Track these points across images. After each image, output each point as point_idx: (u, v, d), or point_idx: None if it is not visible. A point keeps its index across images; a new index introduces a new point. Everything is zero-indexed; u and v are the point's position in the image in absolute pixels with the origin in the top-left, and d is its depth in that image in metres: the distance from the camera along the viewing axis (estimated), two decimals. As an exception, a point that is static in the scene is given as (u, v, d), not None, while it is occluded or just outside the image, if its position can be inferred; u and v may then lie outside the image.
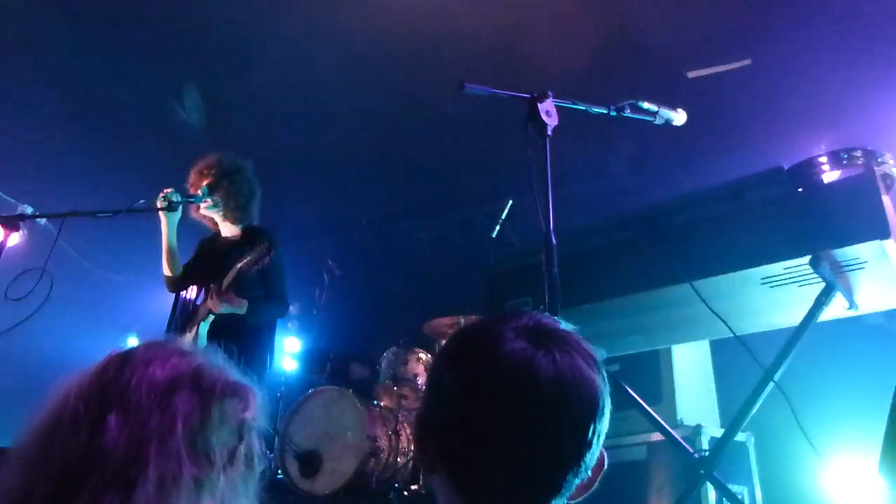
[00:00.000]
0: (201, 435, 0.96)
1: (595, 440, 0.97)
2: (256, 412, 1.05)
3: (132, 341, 7.93)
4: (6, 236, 3.37)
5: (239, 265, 3.41)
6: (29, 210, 6.12)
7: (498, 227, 5.54)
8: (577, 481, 0.98)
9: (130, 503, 0.88)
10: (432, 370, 1.06)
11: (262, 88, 5.69)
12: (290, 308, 6.80)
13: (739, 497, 2.60)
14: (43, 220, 6.04)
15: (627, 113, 2.65)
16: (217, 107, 5.95)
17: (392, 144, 6.24)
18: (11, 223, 3.42)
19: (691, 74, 5.63)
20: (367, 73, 5.50)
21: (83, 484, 0.88)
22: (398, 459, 4.86)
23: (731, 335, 2.67)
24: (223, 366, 1.06)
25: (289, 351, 6.62)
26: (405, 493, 4.55)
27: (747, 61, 5.41)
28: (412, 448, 5.00)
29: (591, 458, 0.98)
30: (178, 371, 0.99)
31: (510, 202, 5.53)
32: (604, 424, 0.98)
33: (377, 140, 6.21)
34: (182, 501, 0.91)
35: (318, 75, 5.52)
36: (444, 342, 1.11)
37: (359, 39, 5.23)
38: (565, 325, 1.05)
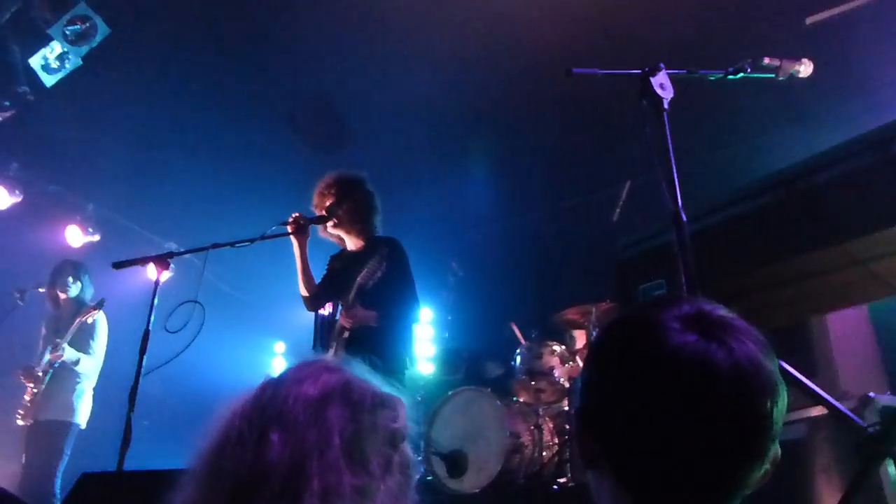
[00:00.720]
0: (357, 446, 0.99)
1: (776, 431, 0.91)
2: (406, 422, 1.07)
3: (279, 346, 8.41)
4: (159, 273, 3.67)
5: (359, 279, 3.53)
6: (174, 247, 6.66)
7: (618, 210, 5.41)
8: (759, 475, 0.92)
9: None
10: (591, 364, 1.02)
11: (376, 93, 5.83)
12: (422, 313, 7.00)
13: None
14: (188, 255, 6.56)
15: (748, 73, 2.50)
16: (333, 117, 6.15)
17: (503, 138, 6.23)
18: (163, 261, 3.71)
19: (810, 20, 5.23)
20: (475, 67, 5.51)
21: (254, 496, 0.93)
22: (543, 454, 4.84)
23: (892, 297, 2.45)
24: (370, 378, 1.09)
25: (424, 355, 6.78)
26: (554, 486, 4.52)
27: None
28: (556, 441, 4.97)
29: (773, 449, 0.92)
30: (328, 386, 1.04)
31: (628, 183, 5.39)
32: (782, 413, 0.92)
33: (487, 135, 6.22)
34: (346, 510, 0.94)
35: (429, 74, 5.60)
36: (597, 334, 1.06)
37: (465, 34, 5.24)
38: (729, 312, 0.98)
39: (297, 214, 3.87)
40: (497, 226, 7.37)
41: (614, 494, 0.96)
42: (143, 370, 3.37)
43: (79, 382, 5.24)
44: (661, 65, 2.23)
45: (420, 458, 5.04)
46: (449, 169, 6.67)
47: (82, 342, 5.25)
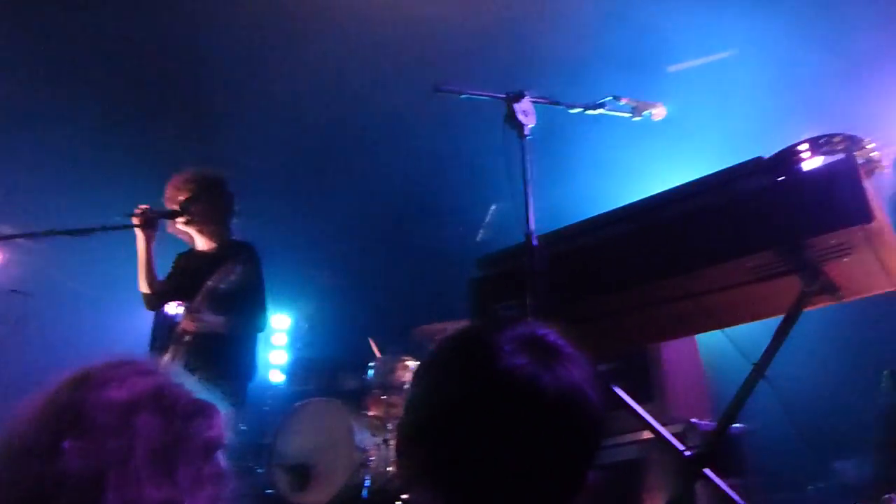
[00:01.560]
0: (164, 457, 0.91)
1: (594, 460, 0.94)
2: (222, 430, 1.00)
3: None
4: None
5: (210, 283, 3.36)
6: (7, 230, 6.03)
7: (482, 232, 5.53)
8: (575, 498, 0.94)
9: None
10: (420, 378, 1.01)
11: (246, 100, 5.63)
12: (278, 320, 6.79)
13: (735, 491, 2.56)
14: (21, 240, 5.99)
15: (606, 110, 2.63)
16: (199, 119, 5.88)
17: (373, 152, 6.21)
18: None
19: (672, 69, 5.65)
20: (345, 81, 5.47)
21: None
22: (389, 469, 4.80)
23: (718, 330, 2.64)
24: (186, 384, 1.01)
25: (276, 363, 6.56)
26: (397, 502, 4.49)
27: (727, 53, 5.45)
28: (403, 457, 4.95)
29: (590, 477, 0.95)
30: (137, 391, 0.94)
31: (493, 207, 5.53)
32: (599, 443, 0.95)
33: (358, 148, 6.17)
34: (145, 528, 0.86)
35: (301, 85, 5.49)
36: (432, 348, 1.04)
37: (333, 49, 5.20)
38: (561, 338, 1.00)
39: (144, 206, 3.63)
40: (364, 238, 7.31)
41: None
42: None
43: None
44: (525, 91, 2.30)
45: (262, 471, 4.86)
46: (321, 176, 6.55)
47: None
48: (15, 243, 5.91)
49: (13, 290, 3.15)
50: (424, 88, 2.34)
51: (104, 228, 3.53)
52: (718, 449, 2.62)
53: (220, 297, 3.41)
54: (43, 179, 6.08)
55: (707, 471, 2.34)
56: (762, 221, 2.10)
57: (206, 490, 0.94)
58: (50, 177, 6.07)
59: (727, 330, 2.42)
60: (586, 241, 2.39)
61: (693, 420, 3.61)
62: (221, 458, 0.98)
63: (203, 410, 0.98)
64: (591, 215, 2.50)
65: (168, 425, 0.93)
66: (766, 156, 2.21)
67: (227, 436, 1.00)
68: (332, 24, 5.08)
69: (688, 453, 2.51)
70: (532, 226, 2.10)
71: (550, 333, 0.99)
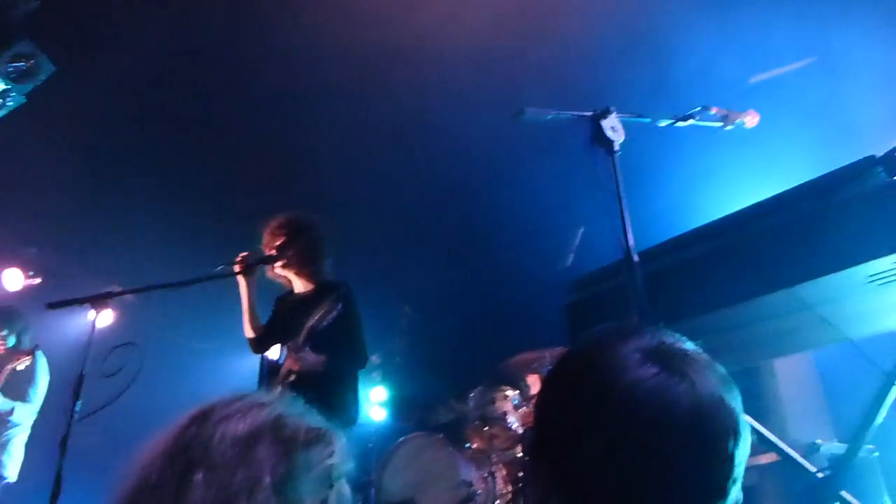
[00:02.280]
0: (289, 485, 0.92)
1: (738, 473, 0.88)
2: (343, 457, 1.00)
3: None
4: (98, 314, 3.50)
5: (309, 323, 3.44)
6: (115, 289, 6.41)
7: (571, 256, 5.45)
8: None
9: None
10: (546, 393, 0.97)
11: (327, 138, 5.81)
12: (373, 358, 6.87)
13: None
14: (130, 297, 6.34)
15: (697, 121, 2.55)
16: (283, 160, 6.10)
17: (456, 183, 6.25)
18: (101, 302, 3.55)
19: (754, 79, 5.46)
20: (425, 111, 5.54)
21: None
22: (496, 502, 4.72)
23: (838, 342, 2.48)
24: (303, 413, 1.02)
25: (375, 400, 6.62)
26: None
27: (810, 59, 5.23)
28: (509, 489, 4.86)
29: (735, 488, 0.88)
30: (257, 422, 0.96)
31: (581, 230, 5.44)
32: (744, 451, 0.89)
33: (441, 180, 6.23)
34: (278, 557, 0.87)
35: (383, 119, 5.61)
36: (553, 364, 1.00)
37: (412, 79, 5.30)
38: (691, 344, 0.95)
39: (245, 253, 3.78)
40: (450, 271, 7.34)
41: None
42: (75, 415, 3.19)
43: (8, 432, 4.94)
44: (612, 107, 2.26)
45: (369, 507, 4.88)
46: (399, 213, 6.65)
47: (16, 389, 4.96)
48: (124, 300, 6.28)
49: (126, 343, 3.33)
50: (508, 113, 2.34)
51: (207, 278, 3.68)
52: (853, 470, 2.44)
53: (321, 336, 3.48)
54: (143, 237, 6.46)
55: (844, 493, 2.18)
56: (882, 223, 1.97)
57: None
58: (150, 234, 6.43)
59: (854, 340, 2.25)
60: (687, 255, 2.31)
61: (816, 440, 3.39)
62: (344, 486, 0.99)
63: (322, 438, 0.99)
64: (688, 230, 2.42)
65: (289, 454, 0.94)
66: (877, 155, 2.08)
67: (348, 464, 1.01)
68: (407, 56, 5.17)
69: (820, 475, 2.34)
70: (630, 241, 2.04)
71: (679, 340, 0.95)
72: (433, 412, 5.88)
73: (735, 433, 0.87)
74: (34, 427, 5.13)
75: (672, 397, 0.86)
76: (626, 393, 0.87)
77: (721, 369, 0.92)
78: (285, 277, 3.91)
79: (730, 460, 0.86)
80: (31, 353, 4.97)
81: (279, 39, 5.06)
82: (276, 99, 5.46)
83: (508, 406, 5.09)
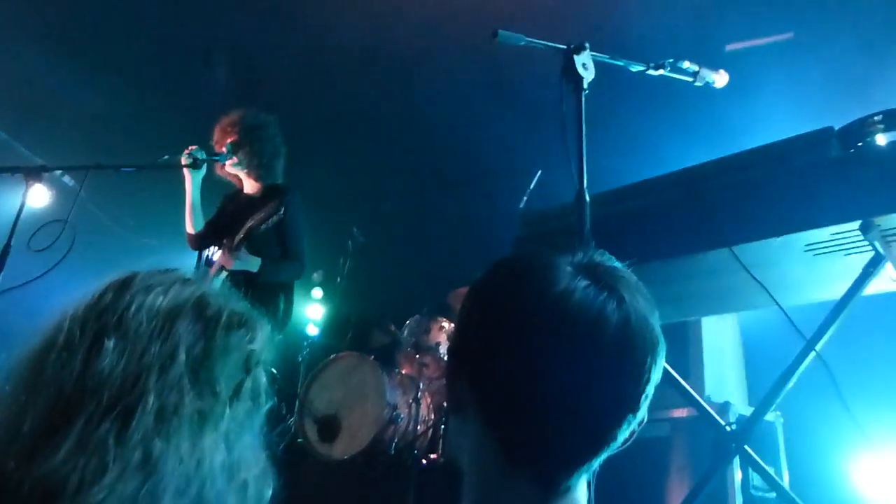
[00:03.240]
0: (205, 365, 0.89)
1: (651, 388, 0.90)
2: (264, 344, 0.98)
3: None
4: (29, 187, 3.35)
5: (250, 222, 3.36)
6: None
7: (525, 198, 5.45)
8: (626, 434, 0.90)
9: (129, 432, 0.82)
10: (473, 301, 0.96)
11: (294, 46, 5.60)
12: (314, 275, 6.84)
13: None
14: (67, 177, 6.11)
15: (668, 71, 2.53)
16: (246, 64, 5.88)
17: (421, 111, 6.13)
18: (34, 174, 3.40)
19: (729, 47, 5.45)
20: (401, 31, 5.37)
21: (78, 410, 0.82)
22: (418, 427, 4.83)
23: (767, 307, 2.55)
24: (229, 296, 0.99)
25: (311, 317, 6.62)
26: (423, 461, 4.52)
27: (788, 34, 5.23)
28: (432, 417, 4.97)
29: (645, 406, 0.90)
30: (180, 298, 0.93)
31: (539, 172, 5.43)
32: (659, 372, 0.91)
33: (404, 104, 6.10)
34: (183, 434, 0.85)
35: (352, 33, 5.41)
36: (484, 273, 0.99)
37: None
38: (621, 264, 0.96)
39: (192, 147, 3.65)
40: (404, 199, 7.28)
41: (479, 440, 0.91)
42: (-3, 289, 3.09)
43: None
44: (587, 44, 2.22)
45: (293, 419, 4.93)
46: (365, 132, 6.52)
47: None
48: (61, 180, 6.05)
49: (58, 220, 3.20)
50: (479, 39, 2.26)
51: (152, 167, 3.56)
52: (757, 429, 2.56)
53: (259, 238, 3.42)
54: (95, 116, 6.18)
55: (747, 448, 2.28)
56: (827, 195, 2.01)
57: (243, 403, 0.93)
58: (103, 114, 6.16)
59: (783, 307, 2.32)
60: (637, 204, 2.32)
61: (729, 401, 3.53)
62: (261, 375, 0.97)
63: (245, 323, 0.96)
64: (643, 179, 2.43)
65: (209, 333, 0.92)
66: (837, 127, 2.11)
67: (270, 353, 0.99)
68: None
69: (728, 429, 2.45)
70: (584, 181, 2.04)
71: (611, 259, 0.95)
72: (368, 334, 5.92)
73: (654, 353, 0.89)
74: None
75: (601, 310, 0.86)
76: (555, 303, 0.86)
77: (647, 292, 0.93)
78: (236, 176, 3.81)
79: (647, 377, 0.88)
80: None
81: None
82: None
83: (442, 337, 5.16)
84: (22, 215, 3.32)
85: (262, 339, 0.98)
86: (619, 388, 0.87)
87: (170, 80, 5.94)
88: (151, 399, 0.84)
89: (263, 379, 0.97)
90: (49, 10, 5.30)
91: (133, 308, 0.89)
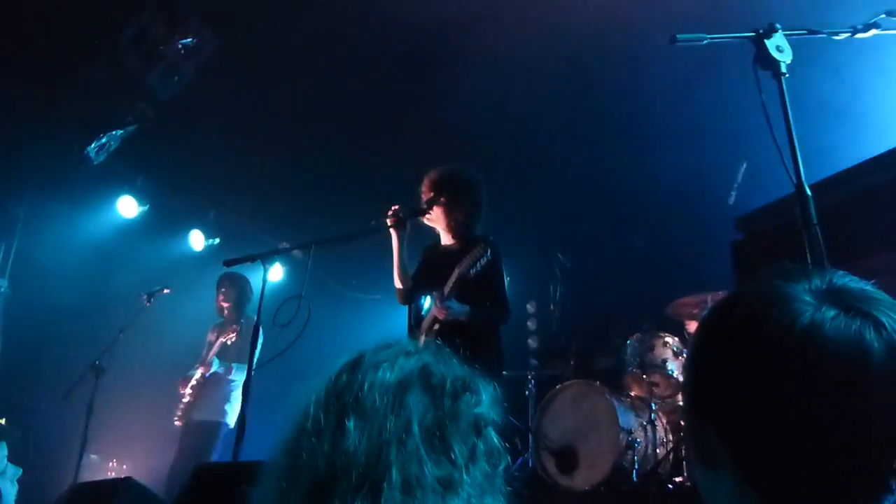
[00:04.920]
0: (438, 433, 0.93)
1: None
2: (491, 405, 0.99)
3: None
4: (268, 268, 3.77)
5: (458, 270, 3.46)
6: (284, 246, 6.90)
7: (734, 193, 5.08)
8: None
9: None
10: (707, 343, 0.87)
11: (475, 92, 5.78)
12: (528, 306, 6.90)
13: None
14: (297, 251, 6.78)
15: (881, 30, 2.23)
16: (432, 119, 6.16)
17: (610, 121, 6.01)
18: (270, 257, 3.83)
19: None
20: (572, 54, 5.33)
21: (332, 489, 0.89)
22: (657, 451, 4.61)
23: None
24: (450, 361, 1.02)
25: (532, 349, 6.66)
26: (668, 485, 4.30)
27: None
28: (670, 438, 4.73)
29: None
30: (406, 370, 0.98)
31: (744, 164, 5.05)
32: None
33: (595, 117, 6.01)
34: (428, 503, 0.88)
35: (525, 67, 5.48)
36: (711, 310, 0.91)
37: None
38: (866, 283, 0.83)
39: (395, 207, 3.88)
40: (605, 216, 7.12)
41: (736, 495, 0.82)
42: (254, 364, 3.48)
43: (230, 386, 5.56)
44: (777, 25, 2.03)
45: (529, 454, 4.94)
46: (551, 156, 6.52)
47: (231, 355, 5.55)
48: (291, 257, 6.73)
49: (295, 296, 3.61)
50: (661, 42, 2.17)
51: (364, 233, 3.85)
52: None
53: (467, 286, 3.51)
54: (307, 198, 6.83)
55: None
56: None
57: (480, 466, 0.95)
58: (313, 194, 6.80)
59: None
60: (866, 185, 2.05)
61: None
62: (493, 435, 0.98)
63: (469, 386, 0.99)
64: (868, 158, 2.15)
65: (436, 402, 0.95)
66: None
67: (497, 412, 1.00)
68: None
69: None
70: (802, 173, 1.85)
71: (854, 280, 0.83)
72: (591, 360, 5.81)
73: None
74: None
75: (859, 340, 0.75)
76: (805, 339, 0.76)
77: None
78: (436, 228, 3.98)
79: None
80: (237, 327, 5.47)
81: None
82: (433, 54, 5.46)
83: (668, 353, 4.92)
84: (265, 292, 3.77)
85: (488, 400, 0.99)
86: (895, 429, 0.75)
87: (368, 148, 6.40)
88: (394, 473, 0.89)
89: (495, 439, 0.98)
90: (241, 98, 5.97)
91: (366, 387, 0.95)
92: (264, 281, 3.77)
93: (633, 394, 5.05)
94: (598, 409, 4.73)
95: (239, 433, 3.19)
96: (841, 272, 0.84)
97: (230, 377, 5.52)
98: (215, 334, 5.67)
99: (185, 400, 5.49)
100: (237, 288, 5.74)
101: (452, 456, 0.92)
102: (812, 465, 0.75)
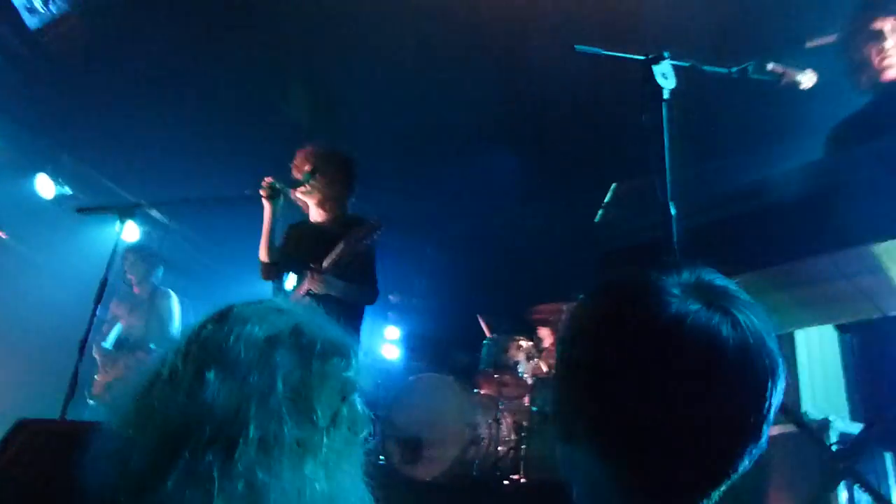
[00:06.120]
0: (302, 394, 0.89)
1: (773, 413, 0.84)
2: (359, 371, 0.97)
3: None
4: (124, 224, 3.52)
5: (343, 244, 3.43)
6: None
7: (601, 212, 5.34)
8: (748, 464, 0.84)
9: (232, 463, 0.82)
10: (579, 326, 0.91)
11: (363, 71, 5.68)
12: (390, 297, 6.90)
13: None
14: (156, 212, 6.40)
15: (751, 73, 2.43)
16: (320, 94, 6.01)
17: (491, 128, 6.13)
18: (128, 211, 3.57)
19: (809, 44, 5.20)
20: (469, 46, 5.36)
21: (184, 441, 0.83)
22: (499, 448, 4.77)
23: (870, 316, 2.39)
24: (323, 323, 0.99)
25: (389, 338, 6.68)
26: (505, 482, 4.46)
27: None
28: (513, 437, 4.91)
29: (766, 435, 0.85)
30: (277, 328, 0.94)
31: (614, 185, 5.33)
32: (780, 394, 0.85)
33: (476, 123, 6.10)
34: (284, 463, 0.85)
35: (422, 53, 5.45)
36: (586, 296, 0.95)
37: (458, 27, 5.11)
38: (730, 282, 0.90)
39: (269, 179, 3.77)
40: (477, 217, 7.28)
41: (592, 471, 0.87)
42: (95, 319, 3.24)
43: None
44: (666, 53, 2.15)
45: (376, 441, 4.95)
46: (434, 157, 6.56)
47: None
48: (151, 217, 6.35)
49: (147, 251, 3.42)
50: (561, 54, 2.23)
51: (234, 198, 3.68)
52: (866, 449, 2.39)
53: (349, 264, 3.49)
54: (173, 155, 6.45)
55: (857, 469, 2.13)
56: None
57: (341, 431, 0.92)
58: (184, 150, 6.42)
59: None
60: (729, 212, 2.22)
61: (830, 417, 3.33)
62: (357, 401, 0.96)
63: (340, 349, 0.96)
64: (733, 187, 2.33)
65: (305, 362, 0.92)
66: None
67: (364, 380, 0.98)
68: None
69: (834, 449, 2.30)
70: (668, 192, 1.96)
71: (719, 277, 0.90)
72: (446, 355, 5.92)
73: (775, 376, 0.83)
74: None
75: (716, 334, 0.81)
76: (669, 328, 0.82)
77: (761, 309, 0.87)
78: (304, 203, 3.89)
79: (769, 403, 0.83)
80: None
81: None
82: (326, 20, 5.30)
83: (521, 356, 5.10)
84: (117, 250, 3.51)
85: (357, 366, 0.97)
86: (741, 417, 0.82)
87: (249, 113, 6.14)
88: (252, 429, 0.85)
89: (359, 406, 0.96)
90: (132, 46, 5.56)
91: (232, 339, 0.90)
92: (118, 236, 3.52)
93: (482, 391, 5.18)
94: (448, 402, 4.83)
95: (71, 388, 2.95)
96: (709, 269, 0.90)
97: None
98: (123, 309, 5.30)
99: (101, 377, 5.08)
100: (145, 262, 5.37)
101: (314, 418, 0.89)
102: (663, 447, 0.81)
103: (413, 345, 6.20)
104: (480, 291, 6.58)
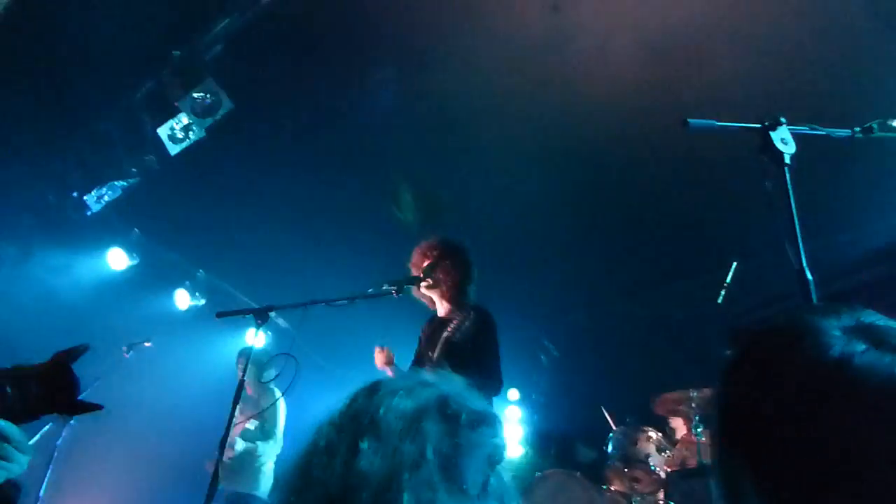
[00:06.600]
0: (452, 461, 0.91)
1: None
2: (505, 441, 0.98)
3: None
4: (260, 325, 3.71)
5: (445, 335, 3.44)
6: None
7: (723, 292, 5.13)
8: None
9: None
10: (734, 376, 0.86)
11: (470, 176, 5.87)
12: (509, 393, 6.80)
13: None
14: (282, 320, 6.70)
15: (876, 133, 2.34)
16: (428, 200, 6.23)
17: (602, 221, 6.10)
18: (262, 314, 3.77)
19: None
20: (571, 153, 5.46)
21: None
22: (637, 548, 4.47)
23: None
24: (469, 395, 1.01)
25: (513, 437, 6.54)
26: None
27: None
28: (651, 536, 4.60)
29: None
30: (423, 399, 0.97)
31: (735, 264, 5.13)
32: None
33: (585, 217, 6.10)
34: (438, 532, 0.85)
35: (524, 157, 5.59)
36: (740, 346, 0.89)
37: (551, 124, 5.23)
38: (894, 322, 0.84)
39: (384, 353, 3.80)
40: (593, 309, 7.15)
41: None
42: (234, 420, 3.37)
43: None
44: (783, 119, 2.12)
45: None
46: (547, 251, 6.58)
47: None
48: (275, 323, 6.65)
49: (283, 353, 3.57)
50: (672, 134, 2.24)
51: (360, 297, 3.82)
52: None
53: (456, 351, 3.45)
54: (295, 261, 6.82)
55: None
56: None
57: (490, 500, 0.92)
58: (301, 258, 6.79)
59: None
60: (869, 276, 2.10)
61: None
62: (505, 473, 0.96)
63: (486, 419, 0.97)
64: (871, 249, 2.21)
65: (454, 431, 0.93)
66: None
67: (509, 448, 0.98)
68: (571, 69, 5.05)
69: None
70: (803, 260, 1.88)
71: (882, 318, 0.84)
72: (572, 450, 5.71)
73: None
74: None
75: (890, 375, 0.75)
76: (836, 371, 0.76)
77: None
78: (429, 298, 3.96)
79: None
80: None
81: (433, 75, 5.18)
82: (433, 126, 5.57)
83: (651, 448, 4.85)
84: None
85: (503, 435, 0.98)
86: None
87: (362, 221, 6.45)
88: (406, 497, 0.86)
89: (507, 478, 0.96)
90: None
91: (382, 410, 0.94)
92: (256, 335, 3.73)
93: (613, 487, 4.93)
94: (578, 500, 4.61)
95: (212, 483, 3.04)
96: (868, 311, 0.85)
97: (258, 453, 5.41)
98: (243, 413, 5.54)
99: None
100: (255, 364, 5.67)
101: (465, 486, 0.90)
102: (842, 498, 0.74)
103: (537, 442, 6.03)
104: (601, 385, 6.37)
